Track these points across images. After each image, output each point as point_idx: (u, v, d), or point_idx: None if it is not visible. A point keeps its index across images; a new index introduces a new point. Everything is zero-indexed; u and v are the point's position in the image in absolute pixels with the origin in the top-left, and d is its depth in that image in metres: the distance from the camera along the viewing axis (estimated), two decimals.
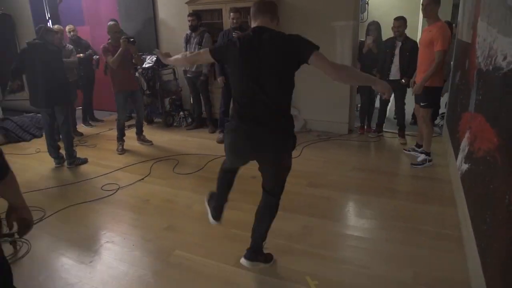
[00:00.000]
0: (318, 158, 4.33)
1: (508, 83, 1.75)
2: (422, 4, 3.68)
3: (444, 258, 2.42)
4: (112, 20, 5.29)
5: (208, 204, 2.53)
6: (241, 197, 3.35)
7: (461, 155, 2.98)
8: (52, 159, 4.27)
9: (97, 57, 5.75)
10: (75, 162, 4.25)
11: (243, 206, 3.20)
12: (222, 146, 4.76)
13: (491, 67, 2.16)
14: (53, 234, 2.86)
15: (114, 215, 3.13)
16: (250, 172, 3.98)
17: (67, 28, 5.46)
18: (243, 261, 2.29)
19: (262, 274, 2.32)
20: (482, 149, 2.19)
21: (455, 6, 6.29)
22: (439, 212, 3.04)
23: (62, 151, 4.27)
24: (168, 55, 2.49)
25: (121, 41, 4.35)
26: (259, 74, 1.88)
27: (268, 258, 2.37)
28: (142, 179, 3.86)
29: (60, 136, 4.29)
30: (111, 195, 3.50)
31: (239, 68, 1.95)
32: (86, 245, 2.71)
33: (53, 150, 4.22)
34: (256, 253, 2.30)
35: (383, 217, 3.02)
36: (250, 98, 1.94)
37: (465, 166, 2.76)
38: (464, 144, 2.86)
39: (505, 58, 1.84)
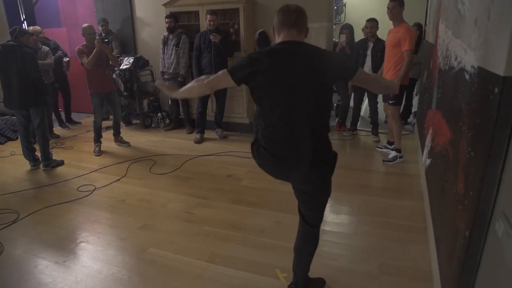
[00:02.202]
0: None
1: (458, 82, 1.86)
2: (388, 8, 3.81)
3: (411, 249, 2.52)
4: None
5: None
6: (215, 195, 3.43)
7: (425, 151, 3.12)
8: (28, 162, 4.24)
9: (68, 59, 5.70)
10: (51, 164, 4.23)
11: (216, 204, 3.27)
12: (199, 146, 4.89)
13: (447, 67, 2.28)
14: (27, 235, 2.86)
15: (89, 216, 3.15)
16: (226, 171, 4.09)
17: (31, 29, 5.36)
18: None
19: (233, 268, 2.39)
20: (439, 144, 2.31)
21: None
22: (408, 206, 3.16)
23: (38, 154, 4.25)
24: (173, 87, 2.08)
25: (95, 41, 4.36)
26: (299, 95, 1.62)
27: (320, 282, 2.20)
28: (119, 179, 3.87)
29: (36, 138, 4.27)
30: (87, 196, 3.51)
31: (271, 91, 1.64)
32: (61, 246, 2.72)
33: (29, 152, 4.20)
34: (305, 277, 2.09)
35: (354, 212, 3.12)
36: (287, 123, 1.65)
37: (428, 161, 2.89)
38: (428, 140, 2.99)
39: (456, 58, 1.96)
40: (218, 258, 2.48)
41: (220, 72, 1.74)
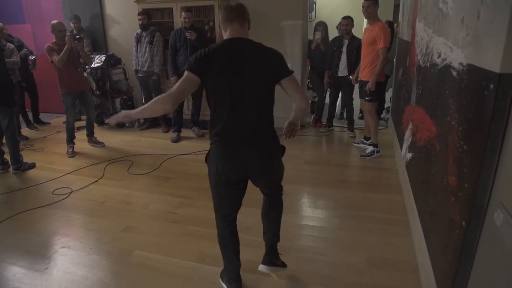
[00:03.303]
0: None
1: (443, 78, 1.93)
2: (363, 6, 3.91)
3: (394, 242, 2.60)
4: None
5: (223, 281, 2.21)
6: (197, 194, 3.40)
7: (405, 145, 3.21)
8: None
9: (34, 57, 5.45)
10: (22, 167, 4.04)
11: (199, 203, 3.24)
12: (176, 145, 4.82)
13: (428, 64, 2.36)
14: (1, 243, 2.72)
15: (68, 220, 3.03)
16: (205, 170, 4.00)
17: None
18: (261, 267, 2.13)
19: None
20: (423, 138, 2.38)
21: (396, 7, 6.67)
22: (387, 199, 3.25)
23: (7, 156, 4.05)
24: (125, 113, 1.92)
25: (66, 38, 4.20)
26: (240, 89, 1.75)
27: (284, 263, 2.21)
28: (96, 181, 3.76)
29: (4, 141, 4.06)
30: (63, 199, 3.38)
31: (217, 84, 1.77)
32: (40, 252, 2.60)
33: None
34: (273, 256, 2.17)
35: (336, 206, 3.17)
36: (230, 116, 1.78)
37: (409, 155, 2.98)
38: (408, 135, 3.08)
39: (439, 55, 2.03)
40: (207, 258, 2.46)
41: (182, 78, 1.80)
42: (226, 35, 1.85)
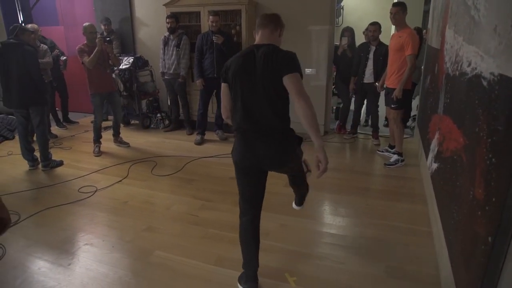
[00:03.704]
0: None
1: (472, 88, 1.87)
2: (390, 13, 3.84)
3: (415, 253, 2.53)
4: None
5: (240, 284, 2.20)
6: (219, 197, 3.42)
7: (431, 155, 3.13)
8: (26, 162, 4.18)
9: (65, 58, 5.64)
10: (50, 164, 4.18)
11: (220, 206, 3.25)
12: (199, 148, 4.86)
13: (457, 72, 2.30)
14: (29, 237, 2.81)
15: (92, 217, 3.11)
16: (228, 173, 4.07)
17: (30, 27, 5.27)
18: (294, 206, 2.71)
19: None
20: (449, 149, 2.32)
21: (426, 13, 6.54)
22: (410, 209, 3.17)
23: (37, 154, 4.20)
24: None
25: (96, 40, 4.33)
26: (250, 92, 1.90)
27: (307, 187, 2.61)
28: (120, 181, 3.84)
29: (35, 138, 4.21)
30: (88, 197, 3.47)
31: (233, 87, 1.97)
32: (64, 248, 2.67)
33: (27, 152, 4.14)
34: (302, 201, 2.66)
35: (357, 214, 3.12)
36: (242, 116, 1.94)
37: (434, 165, 2.90)
38: (434, 145, 3.00)
39: (469, 64, 1.97)
40: (226, 262, 2.47)
41: (222, 89, 2.07)
42: (256, 39, 2.02)
